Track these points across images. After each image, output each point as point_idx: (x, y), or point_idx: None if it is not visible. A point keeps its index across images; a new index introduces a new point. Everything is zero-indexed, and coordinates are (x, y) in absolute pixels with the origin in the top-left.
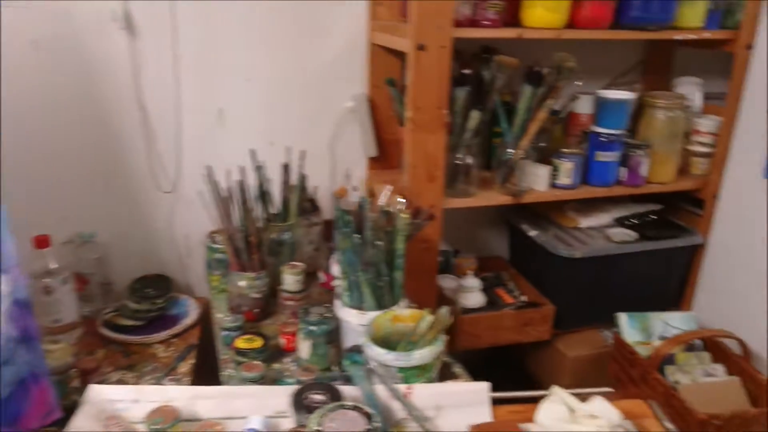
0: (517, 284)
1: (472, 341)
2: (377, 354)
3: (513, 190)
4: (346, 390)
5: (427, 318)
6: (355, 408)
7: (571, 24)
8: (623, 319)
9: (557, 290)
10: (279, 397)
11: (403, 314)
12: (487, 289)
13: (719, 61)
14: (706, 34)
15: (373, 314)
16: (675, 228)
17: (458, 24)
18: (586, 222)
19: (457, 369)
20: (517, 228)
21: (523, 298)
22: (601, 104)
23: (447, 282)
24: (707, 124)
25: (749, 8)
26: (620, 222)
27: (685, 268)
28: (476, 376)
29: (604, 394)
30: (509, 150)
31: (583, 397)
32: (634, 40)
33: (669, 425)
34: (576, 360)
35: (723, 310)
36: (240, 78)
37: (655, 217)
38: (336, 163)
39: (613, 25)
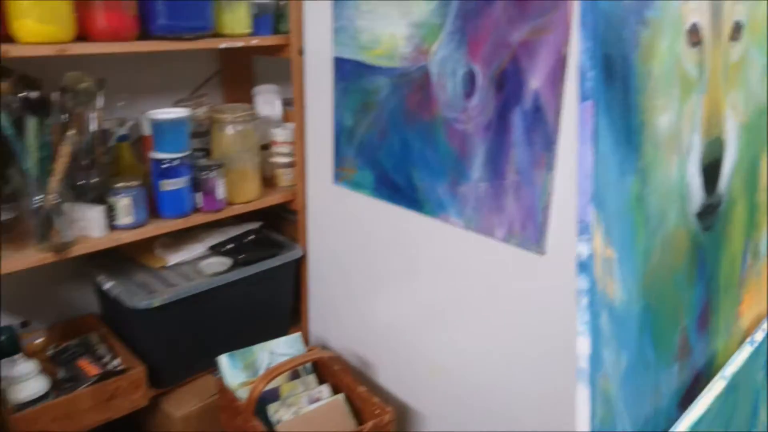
0: (110, 346)
1: None
2: None
3: (56, 244)
4: None
5: None
6: None
7: (86, 36)
8: (224, 361)
9: (148, 346)
10: None
11: None
12: (67, 363)
13: None
14: (255, 41)
15: None
16: (274, 246)
17: None
18: (175, 258)
19: None
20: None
21: (116, 362)
22: (155, 127)
23: (4, 369)
24: (282, 133)
25: (293, 14)
26: (216, 250)
27: (294, 284)
28: None
29: None
30: (36, 197)
31: None
32: (175, 51)
33: None
34: (186, 419)
35: (333, 321)
36: None
37: (254, 237)
38: None
39: (143, 35)
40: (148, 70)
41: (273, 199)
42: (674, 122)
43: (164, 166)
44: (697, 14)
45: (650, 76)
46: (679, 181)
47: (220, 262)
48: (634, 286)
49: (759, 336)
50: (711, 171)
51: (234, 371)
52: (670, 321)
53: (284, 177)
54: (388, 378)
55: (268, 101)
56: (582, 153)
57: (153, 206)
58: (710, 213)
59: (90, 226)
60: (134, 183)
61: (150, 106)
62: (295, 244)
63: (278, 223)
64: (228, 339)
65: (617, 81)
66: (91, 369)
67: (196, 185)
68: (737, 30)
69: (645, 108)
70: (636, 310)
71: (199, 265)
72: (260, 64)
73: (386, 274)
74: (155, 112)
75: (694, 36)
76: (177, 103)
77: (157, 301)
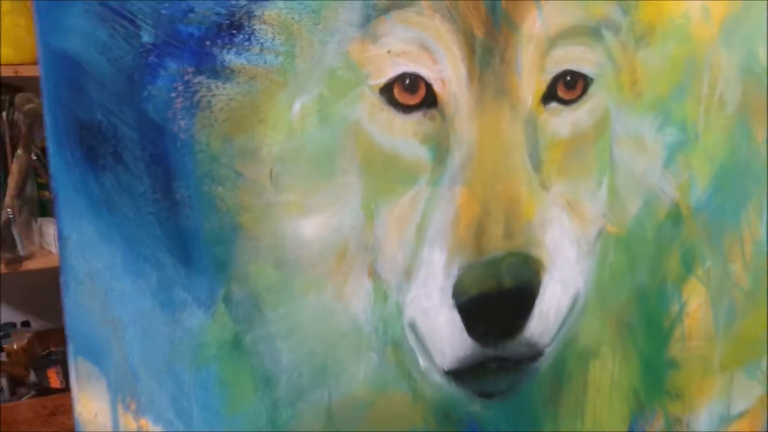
0: None
1: None
2: None
3: (11, 257)
4: None
5: None
6: None
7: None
8: None
9: None
10: None
11: None
12: (39, 369)
13: None
14: None
15: None
16: None
17: None
18: None
19: None
20: None
21: None
22: None
23: None
24: None
25: None
26: None
27: None
28: None
29: None
30: None
31: None
32: None
33: None
34: None
35: None
36: None
37: None
38: None
39: None
40: None
41: None
42: (353, 227)
43: None
44: (418, 60)
45: (255, 156)
46: (379, 320)
47: None
48: None
49: None
50: (496, 306)
51: None
52: None
53: None
54: None
55: None
56: (64, 279)
57: None
58: (499, 370)
59: (50, 241)
60: None
61: None
62: None
63: None
64: None
65: (128, 162)
66: (55, 381)
67: None
68: (569, 86)
69: (240, 206)
70: None
71: None
72: None
73: None
74: None
75: (408, 96)
76: None
77: None
